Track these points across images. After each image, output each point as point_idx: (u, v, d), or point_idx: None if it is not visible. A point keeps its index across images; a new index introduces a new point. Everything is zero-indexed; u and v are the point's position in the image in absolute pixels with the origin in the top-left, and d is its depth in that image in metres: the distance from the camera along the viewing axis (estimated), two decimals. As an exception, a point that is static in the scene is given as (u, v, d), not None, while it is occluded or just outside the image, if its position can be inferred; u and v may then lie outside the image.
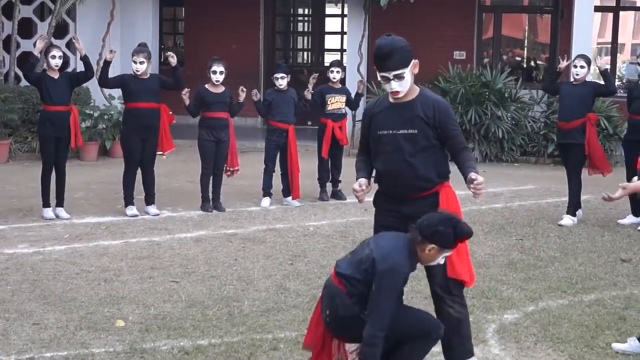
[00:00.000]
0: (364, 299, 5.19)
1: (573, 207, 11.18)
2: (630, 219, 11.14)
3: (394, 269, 5.11)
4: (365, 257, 5.23)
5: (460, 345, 5.67)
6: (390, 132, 5.57)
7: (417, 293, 7.68)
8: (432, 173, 5.54)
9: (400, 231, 5.42)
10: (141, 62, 11.03)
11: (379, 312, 5.08)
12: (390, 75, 5.46)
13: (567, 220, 11.11)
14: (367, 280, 5.17)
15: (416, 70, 5.55)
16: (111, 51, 11.40)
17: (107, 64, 11.20)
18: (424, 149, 5.53)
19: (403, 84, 5.48)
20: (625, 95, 12.10)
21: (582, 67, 11.18)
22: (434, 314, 5.63)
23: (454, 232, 5.14)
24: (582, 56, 11.47)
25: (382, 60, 5.47)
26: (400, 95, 5.52)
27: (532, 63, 22.21)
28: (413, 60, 5.51)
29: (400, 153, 5.53)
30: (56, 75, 10.95)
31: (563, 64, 11.58)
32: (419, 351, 5.38)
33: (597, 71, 12.61)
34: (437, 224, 5.17)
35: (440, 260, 5.29)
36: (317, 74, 12.87)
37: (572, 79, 11.47)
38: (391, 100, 5.61)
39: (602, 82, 11.45)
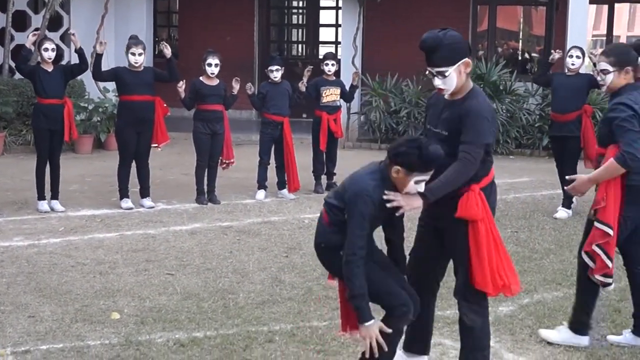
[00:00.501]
0: (344, 228, 5.17)
1: (568, 199, 11.17)
2: None
3: (358, 193, 5.08)
4: (342, 185, 5.30)
5: (469, 354, 5.50)
6: (430, 127, 5.43)
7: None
8: None
9: (432, 230, 5.39)
10: (140, 54, 11.00)
11: (350, 236, 5.07)
12: (434, 71, 5.23)
13: (562, 213, 11.11)
14: (343, 208, 5.19)
15: (467, 70, 5.23)
16: (101, 43, 11.32)
17: (99, 56, 11.14)
18: (452, 150, 5.18)
19: (447, 82, 5.22)
20: None
21: (577, 57, 11.15)
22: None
23: (419, 153, 5.01)
24: (578, 47, 11.44)
25: (426, 54, 5.23)
26: (445, 93, 5.29)
27: (527, 55, 22.21)
28: (463, 59, 5.20)
29: None
30: (50, 68, 10.93)
31: (555, 55, 11.57)
32: (389, 324, 5.29)
33: (591, 62, 12.57)
34: (402, 144, 5.11)
35: (419, 188, 5.11)
36: (311, 67, 12.86)
37: (566, 70, 11.44)
38: (447, 97, 5.36)
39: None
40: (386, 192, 5.09)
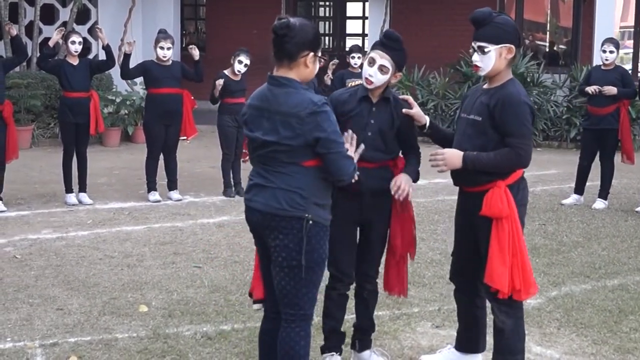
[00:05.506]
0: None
1: (606, 191, 11.08)
2: None
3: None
4: None
5: (499, 357, 5.34)
6: (464, 115, 5.31)
7: (440, 278, 7.67)
8: None
9: (467, 230, 5.34)
10: (168, 48, 11.03)
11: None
12: (475, 45, 5.12)
13: (600, 204, 11.05)
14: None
15: (509, 56, 5.10)
16: (129, 43, 11.34)
17: (127, 57, 11.12)
18: (483, 141, 5.11)
19: (485, 60, 5.10)
20: None
21: (611, 52, 10.94)
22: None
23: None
24: (611, 40, 11.24)
25: (474, 26, 5.13)
26: (481, 72, 5.16)
27: (555, 47, 22.09)
28: (507, 44, 5.08)
29: (461, 139, 5.26)
30: (75, 62, 10.95)
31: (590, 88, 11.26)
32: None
33: (621, 55, 12.45)
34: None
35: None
36: (337, 60, 12.84)
37: (601, 65, 11.18)
38: (484, 86, 5.26)
39: (628, 71, 11.30)
40: (432, 153, 5.18)
